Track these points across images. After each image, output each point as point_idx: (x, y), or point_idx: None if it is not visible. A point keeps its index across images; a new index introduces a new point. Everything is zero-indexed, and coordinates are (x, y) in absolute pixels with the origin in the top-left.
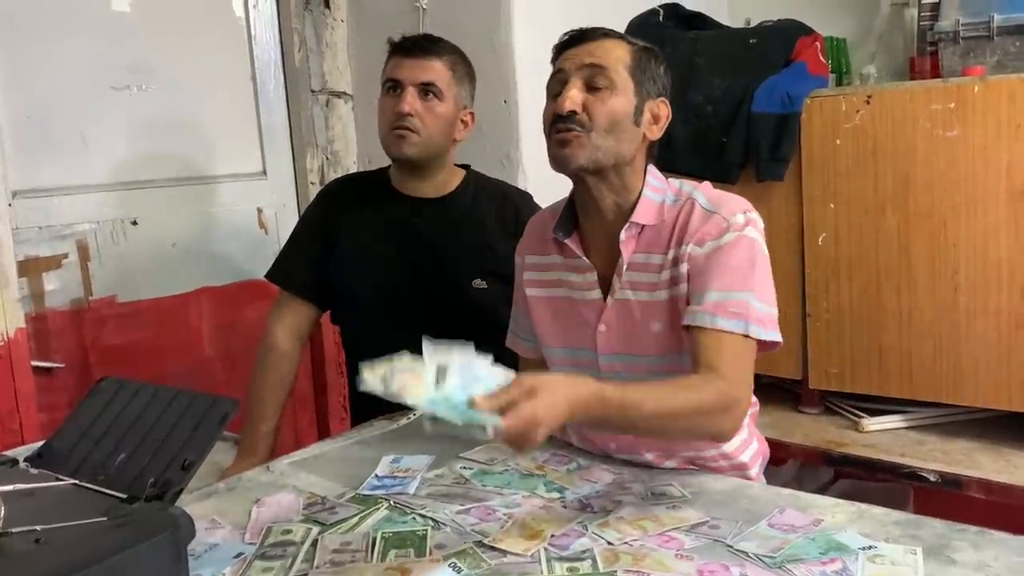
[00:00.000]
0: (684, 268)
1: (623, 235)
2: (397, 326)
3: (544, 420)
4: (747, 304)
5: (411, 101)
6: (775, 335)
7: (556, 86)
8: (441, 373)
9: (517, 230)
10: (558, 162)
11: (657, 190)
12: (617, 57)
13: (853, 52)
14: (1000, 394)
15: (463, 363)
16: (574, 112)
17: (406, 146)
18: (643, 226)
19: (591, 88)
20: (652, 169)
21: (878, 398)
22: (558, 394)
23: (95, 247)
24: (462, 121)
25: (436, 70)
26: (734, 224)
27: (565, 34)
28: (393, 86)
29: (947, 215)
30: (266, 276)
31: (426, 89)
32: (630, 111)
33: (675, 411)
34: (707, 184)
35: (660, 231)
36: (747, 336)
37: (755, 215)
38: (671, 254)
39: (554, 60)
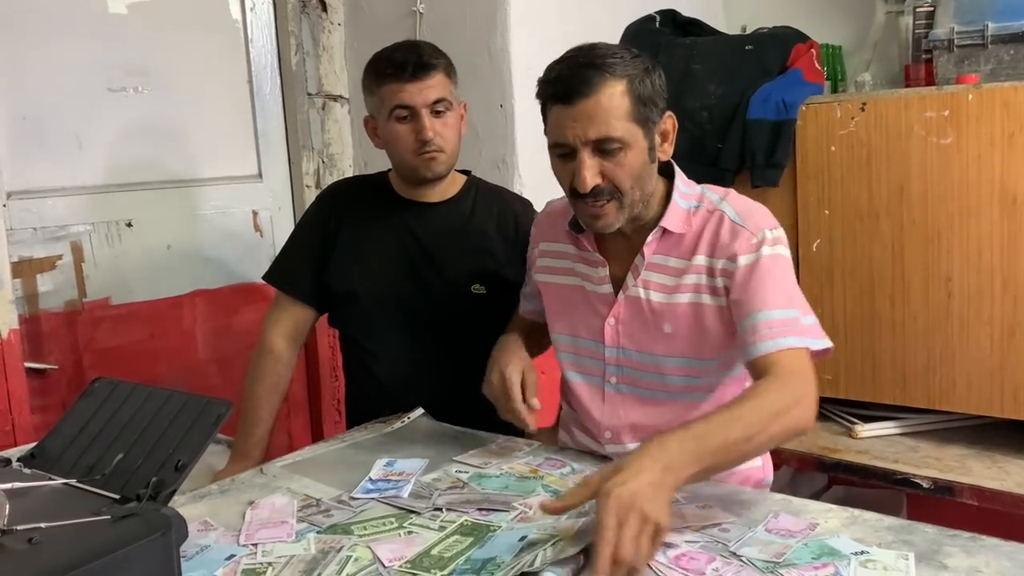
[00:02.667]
0: (720, 282)
1: (650, 237)
2: (396, 330)
3: (642, 492)
4: (795, 320)
5: (431, 125)
6: (827, 341)
7: (562, 154)
8: None
9: (517, 237)
10: (595, 230)
11: (685, 196)
12: (617, 111)
13: (848, 59)
14: (993, 401)
15: None
16: (597, 185)
17: (437, 166)
18: (665, 230)
19: (603, 155)
20: (681, 174)
21: (872, 405)
22: (643, 458)
23: (89, 249)
24: (461, 116)
25: (440, 84)
26: (765, 240)
27: (551, 84)
28: (404, 113)
29: (941, 223)
30: (264, 278)
31: (437, 107)
32: (645, 158)
33: (756, 423)
34: (734, 193)
35: (683, 236)
36: (805, 348)
37: (780, 231)
38: (697, 261)
39: (546, 102)
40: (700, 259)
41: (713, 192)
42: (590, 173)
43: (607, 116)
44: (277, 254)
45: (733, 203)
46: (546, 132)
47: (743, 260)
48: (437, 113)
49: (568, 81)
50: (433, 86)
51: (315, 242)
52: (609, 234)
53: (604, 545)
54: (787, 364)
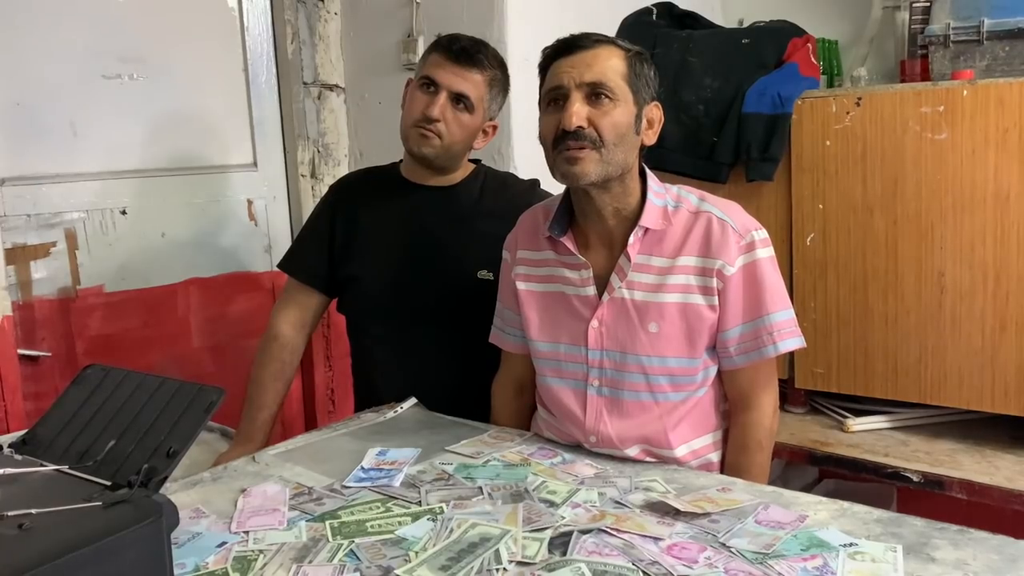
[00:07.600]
0: (715, 283)
1: (632, 238)
2: (402, 315)
3: None
4: (793, 320)
5: (442, 107)
6: (803, 339)
7: (554, 100)
8: None
9: None
10: (568, 178)
11: (659, 195)
12: (614, 67)
13: (844, 54)
14: (983, 396)
15: None
16: (581, 127)
17: (426, 147)
18: (647, 229)
19: (593, 102)
20: (651, 174)
21: (863, 398)
22: None
23: (84, 236)
24: (484, 131)
25: (475, 83)
26: (755, 241)
27: (557, 42)
28: (429, 84)
29: (934, 218)
30: (278, 266)
31: (459, 99)
32: (632, 121)
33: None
34: (707, 193)
35: (664, 234)
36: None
37: (763, 230)
38: (685, 261)
39: (544, 68)
40: (690, 259)
41: (689, 192)
42: (578, 113)
43: (604, 67)
44: (292, 242)
45: (714, 204)
46: (541, 97)
47: (740, 261)
48: (456, 104)
49: (573, 38)
50: (466, 79)
51: (323, 230)
52: (590, 233)
53: None
54: (766, 378)
